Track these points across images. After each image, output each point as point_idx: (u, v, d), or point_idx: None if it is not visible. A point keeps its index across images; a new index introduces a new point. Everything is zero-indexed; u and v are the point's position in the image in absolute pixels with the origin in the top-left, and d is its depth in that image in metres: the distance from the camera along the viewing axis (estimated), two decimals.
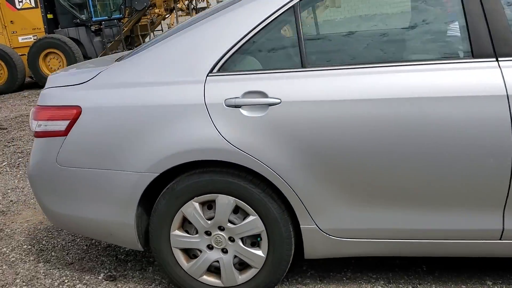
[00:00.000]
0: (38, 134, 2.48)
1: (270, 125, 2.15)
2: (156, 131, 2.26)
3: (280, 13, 2.21)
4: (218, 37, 2.26)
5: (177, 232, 2.38)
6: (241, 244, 2.35)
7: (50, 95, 2.47)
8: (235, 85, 2.20)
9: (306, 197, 2.20)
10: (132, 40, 12.91)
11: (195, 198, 2.31)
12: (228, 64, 2.25)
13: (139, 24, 12.87)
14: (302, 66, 2.18)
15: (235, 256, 2.38)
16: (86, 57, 11.67)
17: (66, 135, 2.40)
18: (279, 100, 2.14)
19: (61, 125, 2.41)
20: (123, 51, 12.35)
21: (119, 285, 2.73)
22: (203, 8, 16.40)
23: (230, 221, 2.32)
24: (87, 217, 2.49)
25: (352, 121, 2.08)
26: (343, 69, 2.13)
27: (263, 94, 2.17)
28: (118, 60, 2.59)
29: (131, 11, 12.03)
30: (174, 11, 12.23)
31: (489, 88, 1.97)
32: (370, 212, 2.19)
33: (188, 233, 2.40)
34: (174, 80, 2.28)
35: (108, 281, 2.77)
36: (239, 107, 2.18)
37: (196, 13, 13.86)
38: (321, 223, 2.24)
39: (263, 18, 2.21)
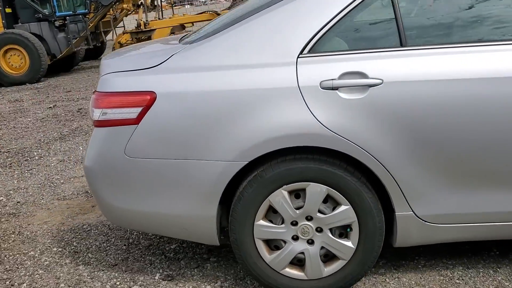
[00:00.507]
0: (102, 123, 2.27)
1: (370, 107, 2.06)
2: (244, 116, 2.12)
3: None
4: (308, 16, 2.15)
5: (262, 222, 2.25)
6: (330, 235, 2.24)
7: (117, 80, 2.26)
8: (331, 66, 2.10)
9: (405, 183, 2.12)
10: (96, 37, 12.42)
11: (284, 187, 2.18)
12: (320, 45, 2.14)
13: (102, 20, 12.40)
14: (402, 45, 2.10)
15: (322, 247, 2.27)
16: (50, 53, 11.09)
17: (138, 124, 2.21)
18: (380, 81, 2.05)
19: (132, 112, 2.21)
20: (89, 47, 11.89)
21: (180, 285, 2.55)
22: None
23: (319, 211, 2.21)
24: (158, 212, 2.30)
25: (458, 102, 2.03)
26: (447, 47, 2.07)
27: (363, 75, 2.07)
28: (184, 42, 2.42)
29: (97, 6, 11.57)
30: (142, 6, 11.87)
31: None
32: (470, 196, 2.14)
33: (272, 223, 2.26)
34: (261, 63, 2.15)
35: (166, 281, 2.59)
36: (336, 89, 2.08)
37: (161, 9, 13.55)
38: (418, 209, 2.17)
39: None
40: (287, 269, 2.31)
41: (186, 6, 24.92)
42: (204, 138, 2.16)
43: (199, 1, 32.62)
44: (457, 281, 2.38)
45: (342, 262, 2.27)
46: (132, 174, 2.27)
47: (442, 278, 2.41)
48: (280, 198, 2.19)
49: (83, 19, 11.60)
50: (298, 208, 2.21)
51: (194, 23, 13.11)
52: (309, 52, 2.13)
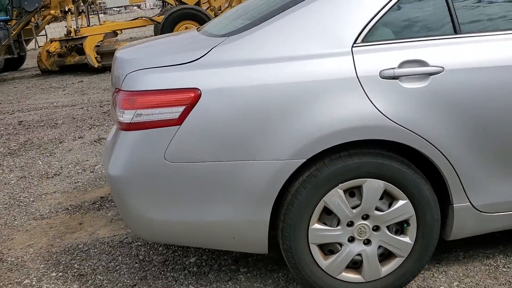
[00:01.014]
0: (136, 126, 2.02)
1: (432, 96, 1.99)
2: (300, 111, 1.97)
3: None
4: (359, 4, 2.04)
5: (317, 226, 2.10)
6: (388, 232, 2.14)
7: (152, 77, 2.02)
8: (390, 55, 2.01)
9: (464, 174, 2.08)
10: (20, 46, 11.55)
11: (340, 185, 2.05)
12: (373, 33, 2.04)
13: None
14: (456, 32, 2.05)
15: (379, 247, 2.16)
16: None
17: (180, 124, 1.98)
18: (441, 68, 1.99)
19: (174, 112, 1.98)
20: (13, 56, 11.04)
21: None
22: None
23: (376, 208, 2.10)
24: (204, 221, 2.08)
25: None
26: (505, 34, 2.05)
27: (423, 63, 2.00)
28: (214, 33, 2.22)
29: (20, 12, 10.77)
30: (71, 12, 11.19)
31: None
32: None
33: (326, 225, 2.12)
34: (313, 53, 2.01)
35: None
36: (397, 79, 1.99)
37: (88, 15, 12.88)
38: (475, 200, 2.13)
39: None
40: (343, 273, 2.18)
41: (102, 14, 23.87)
42: (256, 136, 1.98)
43: (113, 9, 31.63)
44: (504, 269, 2.37)
45: (399, 259, 2.18)
46: (173, 181, 2.04)
47: (487, 267, 2.39)
48: (337, 198, 2.06)
49: (5, 26, 10.74)
50: (354, 207, 2.09)
51: (123, 30, 12.64)
52: (362, 41, 2.03)
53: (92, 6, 12.03)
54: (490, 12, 2.14)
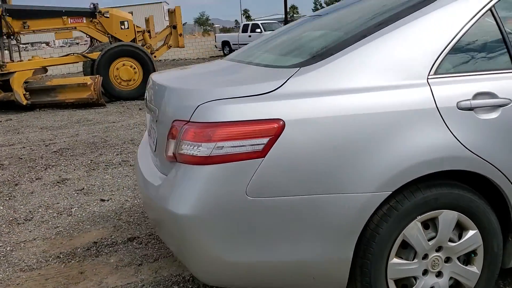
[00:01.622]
0: (216, 159, 1.87)
1: (503, 127, 2.06)
2: (385, 141, 1.94)
3: (483, 12, 2.14)
4: (430, 37, 2.08)
5: (396, 260, 2.05)
6: (459, 263, 2.14)
7: (229, 108, 1.89)
8: (464, 87, 2.05)
9: None
10: None
11: (418, 217, 2.03)
12: (445, 65, 2.08)
13: None
14: None
15: (450, 278, 2.15)
16: None
17: (264, 157, 1.87)
18: (509, 100, 2.07)
19: (258, 144, 1.87)
20: None
21: None
22: None
23: (449, 239, 2.10)
24: (280, 261, 1.95)
25: None
26: None
27: (493, 95, 2.06)
28: (293, 66, 2.13)
29: None
30: None
31: None
32: None
33: (402, 259, 2.07)
34: (391, 84, 2.00)
35: None
36: (472, 110, 2.03)
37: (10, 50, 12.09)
38: None
39: (472, 16, 2.12)
40: None
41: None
42: (342, 168, 1.91)
43: (22, 47, 30.41)
44: None
45: None
46: (254, 217, 1.90)
47: None
48: (416, 230, 2.03)
49: None
50: (429, 240, 2.07)
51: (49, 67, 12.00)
52: (435, 73, 2.06)
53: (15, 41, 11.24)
54: None
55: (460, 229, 2.13)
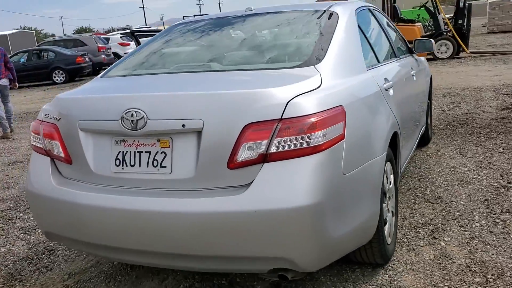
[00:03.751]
0: (321, 147, 2.08)
1: (396, 98, 3.06)
2: (381, 114, 2.63)
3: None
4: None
5: (384, 205, 2.73)
6: (392, 199, 3.01)
7: (309, 101, 2.13)
8: (381, 75, 2.94)
9: None
10: None
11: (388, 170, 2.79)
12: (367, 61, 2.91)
13: None
14: None
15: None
16: None
17: (344, 138, 2.21)
18: (391, 83, 3.09)
19: (340, 128, 2.20)
20: None
21: None
22: None
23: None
24: (357, 226, 2.31)
25: None
26: None
27: (387, 80, 3.04)
28: (306, 64, 2.47)
29: None
30: None
31: None
32: None
33: None
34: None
35: None
36: (387, 90, 2.94)
37: None
38: None
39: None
40: None
41: None
42: (372, 137, 2.50)
43: None
44: None
45: None
46: (346, 192, 2.21)
47: None
48: (387, 183, 2.78)
49: None
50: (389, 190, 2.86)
51: None
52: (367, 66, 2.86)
53: None
54: None
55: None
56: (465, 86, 9.17)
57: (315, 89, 2.23)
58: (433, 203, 3.72)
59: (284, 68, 2.47)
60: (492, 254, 2.87)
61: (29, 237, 3.77)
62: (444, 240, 3.11)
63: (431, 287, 2.59)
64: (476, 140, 5.44)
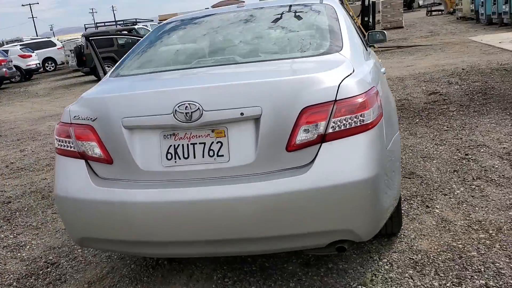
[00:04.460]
0: (373, 123, 2.27)
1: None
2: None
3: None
4: None
5: None
6: None
7: (354, 83, 2.30)
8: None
9: None
10: None
11: None
12: None
13: None
14: None
15: None
16: None
17: (383, 116, 2.42)
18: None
19: (379, 106, 2.40)
20: None
21: None
22: None
23: None
24: (395, 193, 2.55)
25: None
26: None
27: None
28: (329, 52, 2.67)
29: None
30: None
31: None
32: None
33: None
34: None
35: None
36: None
37: None
38: None
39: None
40: None
41: None
42: (394, 113, 2.76)
43: None
44: None
45: None
46: (389, 164, 2.41)
47: None
48: None
49: None
50: None
51: None
52: None
53: None
54: None
55: None
56: (386, 77, 9.87)
57: (352, 72, 2.41)
58: (410, 178, 4.07)
59: (313, 55, 2.62)
60: (484, 214, 3.25)
61: (19, 254, 3.55)
62: (436, 207, 3.44)
63: (447, 247, 2.88)
64: (420, 122, 5.95)
